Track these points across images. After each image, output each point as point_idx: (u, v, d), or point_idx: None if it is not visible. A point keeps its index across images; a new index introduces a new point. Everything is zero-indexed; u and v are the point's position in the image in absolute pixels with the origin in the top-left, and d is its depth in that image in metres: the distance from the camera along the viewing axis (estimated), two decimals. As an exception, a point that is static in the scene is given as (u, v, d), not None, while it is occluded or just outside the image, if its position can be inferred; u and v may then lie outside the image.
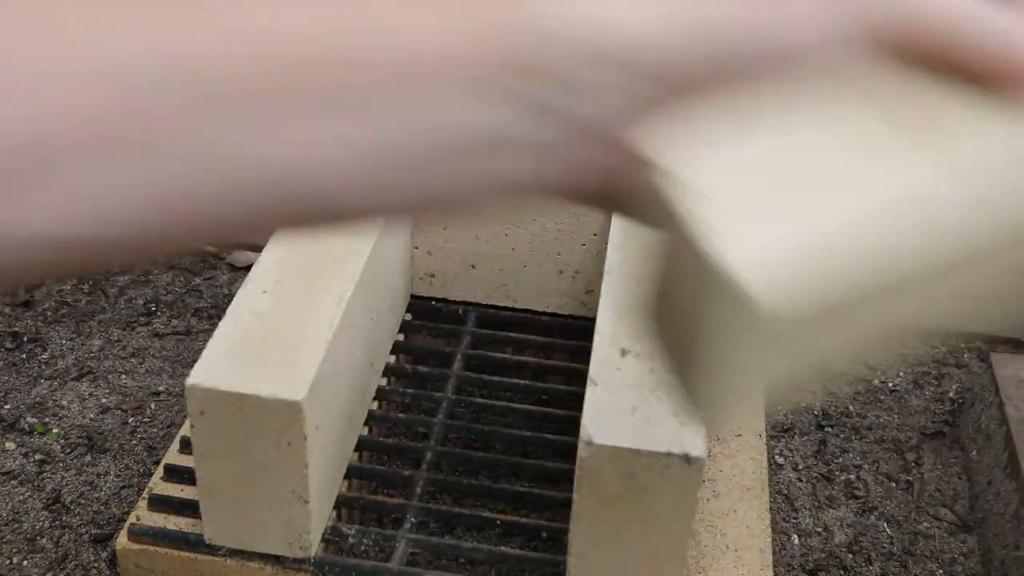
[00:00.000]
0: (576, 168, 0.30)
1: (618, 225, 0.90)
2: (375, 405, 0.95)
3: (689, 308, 0.33)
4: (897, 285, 0.29)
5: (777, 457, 1.13)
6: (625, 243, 0.87)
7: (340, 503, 0.85)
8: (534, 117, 0.29)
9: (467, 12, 0.27)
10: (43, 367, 1.19)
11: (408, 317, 1.03)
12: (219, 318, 0.76)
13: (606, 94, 0.29)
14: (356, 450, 0.90)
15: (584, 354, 0.84)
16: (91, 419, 1.12)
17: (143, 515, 0.85)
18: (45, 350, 1.22)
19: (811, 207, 0.28)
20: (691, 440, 0.69)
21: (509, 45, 0.28)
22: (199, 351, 0.73)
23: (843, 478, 1.11)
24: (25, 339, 1.23)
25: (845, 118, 0.28)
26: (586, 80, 0.29)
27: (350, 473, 0.88)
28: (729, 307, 0.31)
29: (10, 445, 1.09)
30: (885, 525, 1.06)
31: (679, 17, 0.28)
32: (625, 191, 0.30)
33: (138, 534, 0.82)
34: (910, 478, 1.12)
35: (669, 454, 0.69)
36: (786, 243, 0.29)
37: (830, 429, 1.18)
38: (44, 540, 0.98)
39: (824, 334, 0.32)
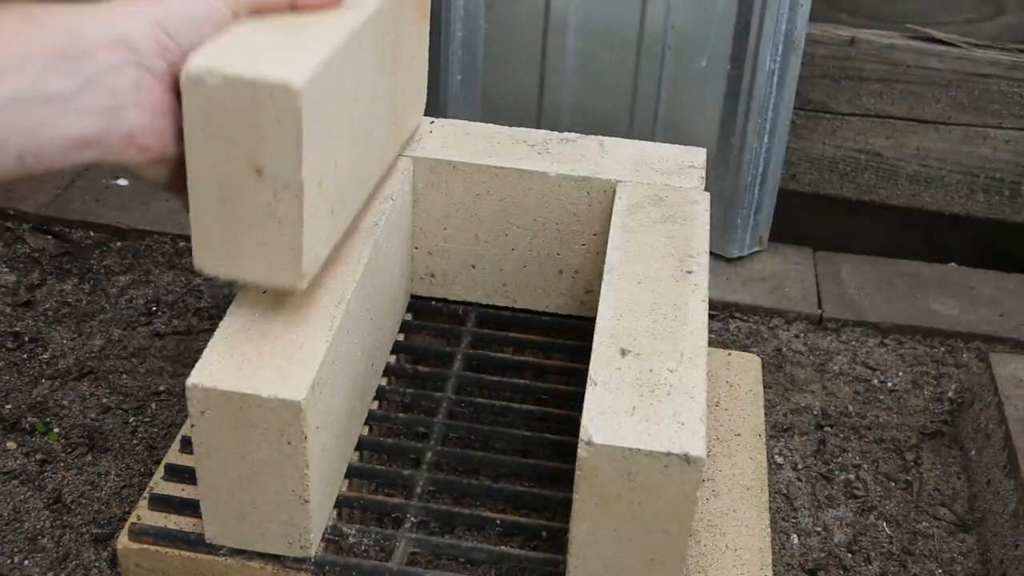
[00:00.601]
0: (111, 117, 0.61)
1: (618, 225, 0.90)
2: (375, 405, 0.95)
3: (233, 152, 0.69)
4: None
5: (777, 457, 1.13)
6: (625, 243, 0.87)
7: (340, 503, 0.85)
8: (86, 87, 0.59)
9: (43, 31, 0.58)
10: (44, 367, 1.19)
11: (408, 317, 1.04)
12: (219, 318, 0.76)
13: (124, 68, 0.61)
14: (356, 450, 0.90)
15: (584, 354, 0.84)
16: (92, 419, 1.13)
17: (144, 515, 0.85)
18: (46, 350, 1.22)
19: (288, 49, 0.66)
20: (691, 440, 0.70)
21: (67, 42, 0.58)
22: (199, 351, 0.73)
23: (842, 478, 1.12)
24: (26, 339, 1.23)
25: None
26: (110, 59, 0.60)
27: (350, 473, 0.88)
28: (268, 104, 0.66)
29: (11, 445, 1.09)
30: (884, 525, 1.06)
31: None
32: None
33: (139, 533, 0.82)
34: (909, 478, 1.12)
35: (668, 454, 0.69)
36: (287, 61, 0.66)
37: (829, 429, 1.18)
38: (45, 539, 0.99)
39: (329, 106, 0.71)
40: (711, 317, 1.35)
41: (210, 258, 0.72)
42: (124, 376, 1.19)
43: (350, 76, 0.74)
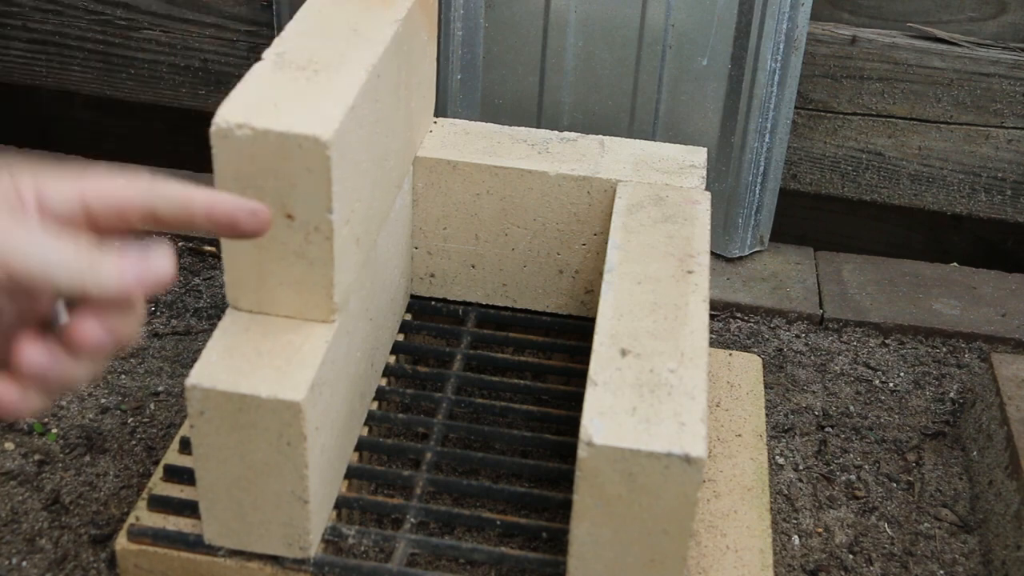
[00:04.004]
0: None
1: (618, 225, 0.89)
2: (375, 405, 0.94)
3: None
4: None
5: (777, 457, 1.13)
6: (625, 243, 0.87)
7: (340, 503, 0.84)
8: None
9: None
10: (42, 367, 1.19)
11: (408, 317, 1.03)
12: (219, 318, 0.76)
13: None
14: (356, 450, 0.90)
15: (584, 354, 0.84)
16: (90, 419, 1.12)
17: (142, 515, 0.85)
18: (45, 350, 1.21)
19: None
20: (691, 440, 0.69)
21: None
22: (199, 351, 0.73)
23: (844, 478, 1.11)
24: (25, 339, 1.23)
25: None
26: None
27: (350, 473, 0.87)
28: (298, 156, 0.68)
29: (9, 445, 1.09)
30: (886, 525, 1.06)
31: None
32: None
33: (137, 534, 0.82)
34: (911, 478, 1.12)
35: (669, 454, 0.69)
36: (314, 111, 0.69)
37: (830, 429, 1.18)
38: (43, 541, 0.98)
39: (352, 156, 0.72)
40: (712, 317, 1.34)
41: (243, 296, 0.76)
42: (123, 376, 1.18)
43: (371, 113, 0.76)
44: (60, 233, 0.53)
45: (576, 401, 0.90)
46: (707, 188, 0.96)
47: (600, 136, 1.01)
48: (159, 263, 0.56)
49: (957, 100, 1.39)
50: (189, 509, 0.83)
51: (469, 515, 0.86)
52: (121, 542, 0.83)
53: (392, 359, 0.99)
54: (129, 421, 1.12)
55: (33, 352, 0.52)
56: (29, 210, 0.53)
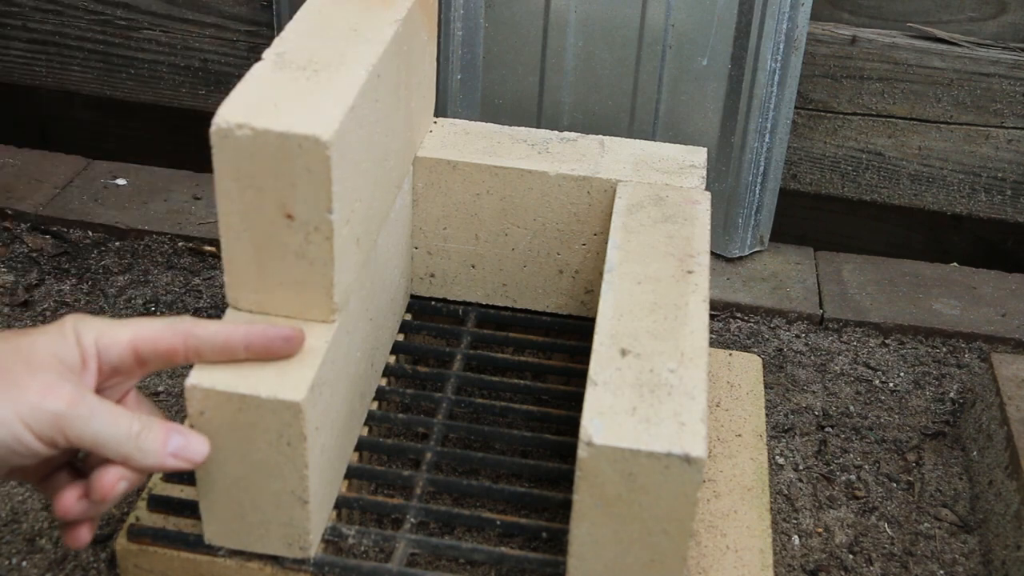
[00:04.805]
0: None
1: (618, 225, 0.89)
2: (375, 405, 0.94)
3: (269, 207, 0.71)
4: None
5: (778, 457, 1.13)
6: (625, 243, 0.87)
7: (340, 503, 0.84)
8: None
9: None
10: (42, 367, 1.19)
11: (408, 317, 1.03)
12: (218, 318, 0.76)
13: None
14: (356, 450, 0.90)
15: (584, 354, 0.84)
16: (90, 419, 1.12)
17: (142, 515, 0.85)
18: (45, 350, 1.21)
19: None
20: (691, 440, 0.69)
21: None
22: (198, 351, 0.73)
23: (844, 478, 1.11)
24: (24, 339, 1.23)
25: None
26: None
27: (350, 473, 0.87)
28: (298, 155, 0.68)
29: (9, 445, 1.08)
30: (886, 525, 1.06)
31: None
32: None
33: (137, 534, 0.82)
34: (911, 478, 1.12)
35: (669, 454, 0.69)
36: (314, 111, 0.69)
37: (830, 429, 1.18)
38: (43, 541, 0.98)
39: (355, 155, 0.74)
40: (712, 317, 1.34)
41: (243, 296, 0.76)
42: (123, 376, 1.18)
43: (371, 113, 0.76)
44: (114, 407, 0.65)
45: (576, 401, 0.90)
46: (707, 188, 0.96)
47: (600, 136, 1.01)
48: (196, 447, 0.69)
49: (957, 100, 1.39)
50: (189, 509, 0.83)
51: (469, 515, 0.86)
52: (121, 542, 0.83)
53: (392, 359, 0.99)
54: (129, 421, 1.12)
55: (69, 503, 0.67)
56: (91, 368, 0.66)
